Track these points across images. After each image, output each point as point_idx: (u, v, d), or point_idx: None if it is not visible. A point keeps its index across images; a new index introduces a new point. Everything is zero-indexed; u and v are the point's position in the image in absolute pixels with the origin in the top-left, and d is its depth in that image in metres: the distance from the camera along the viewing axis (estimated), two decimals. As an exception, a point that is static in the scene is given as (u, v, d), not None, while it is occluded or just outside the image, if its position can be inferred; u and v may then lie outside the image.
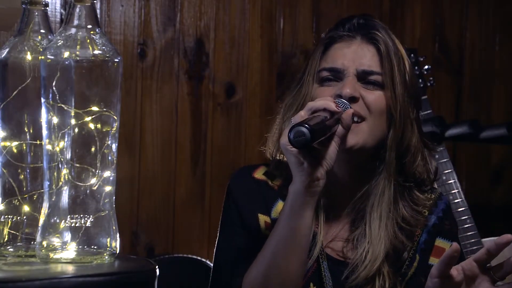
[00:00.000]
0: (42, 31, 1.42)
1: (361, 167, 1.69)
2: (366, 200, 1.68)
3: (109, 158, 1.32)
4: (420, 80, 2.66)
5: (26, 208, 1.39)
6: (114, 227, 1.33)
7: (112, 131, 1.32)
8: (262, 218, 1.70)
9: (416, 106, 1.71)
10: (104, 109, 1.31)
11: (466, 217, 2.53)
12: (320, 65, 1.69)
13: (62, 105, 1.29)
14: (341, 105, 1.60)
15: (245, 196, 1.73)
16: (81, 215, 1.30)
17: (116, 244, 1.33)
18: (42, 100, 1.32)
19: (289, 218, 1.58)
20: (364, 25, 1.71)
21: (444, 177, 2.56)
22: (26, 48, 1.40)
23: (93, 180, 1.31)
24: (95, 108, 1.30)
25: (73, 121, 1.29)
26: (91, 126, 1.30)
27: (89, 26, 1.33)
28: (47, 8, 1.43)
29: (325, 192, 1.65)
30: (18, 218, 1.39)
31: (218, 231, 1.75)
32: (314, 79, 1.69)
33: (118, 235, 1.34)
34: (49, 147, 1.31)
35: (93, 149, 1.31)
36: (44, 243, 1.30)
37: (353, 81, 1.65)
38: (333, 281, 1.66)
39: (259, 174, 1.75)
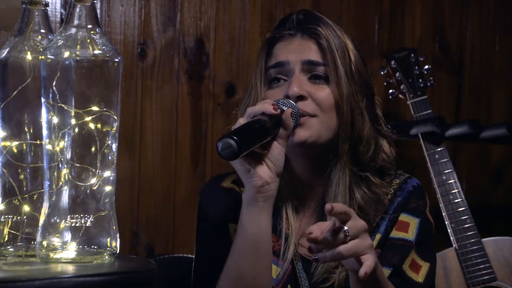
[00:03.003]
0: (42, 31, 1.42)
1: (321, 162, 1.69)
2: (325, 193, 1.69)
3: (109, 158, 1.32)
4: (420, 80, 2.66)
5: (26, 208, 1.39)
6: (114, 227, 1.33)
7: (112, 131, 1.32)
8: (233, 227, 1.70)
9: (366, 95, 1.70)
10: (104, 109, 1.31)
11: (466, 217, 2.53)
12: (266, 65, 1.70)
13: (62, 105, 1.29)
14: (285, 105, 1.59)
15: (214, 207, 1.74)
16: (81, 215, 1.30)
17: (116, 244, 1.33)
18: (42, 100, 1.32)
19: (246, 226, 1.58)
20: (303, 21, 1.71)
21: (444, 177, 2.56)
22: (26, 48, 1.40)
23: (93, 180, 1.31)
24: (95, 108, 1.30)
25: (73, 121, 1.29)
26: (91, 126, 1.30)
27: (89, 26, 1.33)
28: (47, 8, 1.43)
29: (292, 192, 1.68)
30: (18, 218, 1.39)
31: (195, 243, 1.76)
32: (262, 81, 1.70)
33: (118, 235, 1.34)
34: (49, 147, 1.31)
35: (93, 149, 1.31)
36: (44, 243, 1.30)
37: (300, 77, 1.66)
38: (309, 281, 1.67)
39: (227, 182, 1.76)
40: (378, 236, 1.68)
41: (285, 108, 1.59)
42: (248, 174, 1.55)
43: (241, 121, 1.55)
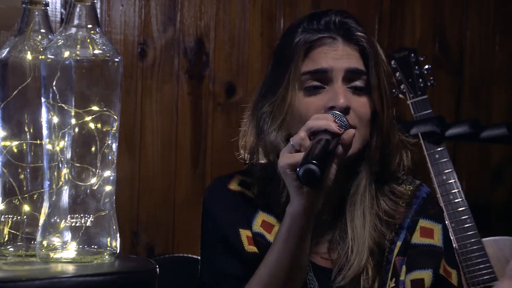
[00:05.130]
0: (42, 30, 1.42)
1: (344, 169, 1.64)
2: (346, 198, 1.64)
3: (109, 157, 1.32)
4: (420, 80, 2.66)
5: (26, 207, 1.39)
6: (114, 227, 1.33)
7: (112, 131, 1.32)
8: (244, 233, 1.65)
9: (393, 102, 1.67)
10: (105, 109, 1.31)
11: (466, 217, 2.53)
12: (302, 69, 1.61)
13: (62, 105, 1.29)
14: (339, 119, 1.54)
15: (223, 212, 1.68)
16: (82, 215, 1.30)
17: (116, 243, 1.33)
18: (42, 99, 1.32)
19: (288, 241, 1.54)
20: (342, 23, 1.62)
21: (444, 177, 2.56)
22: (26, 47, 1.40)
23: (93, 180, 1.31)
24: (95, 108, 1.30)
25: (73, 121, 1.29)
26: (91, 125, 1.30)
27: (90, 26, 1.33)
28: (47, 7, 1.43)
29: None
30: (19, 217, 1.39)
31: (200, 250, 1.70)
32: (297, 86, 1.62)
33: (118, 234, 1.34)
34: (49, 146, 1.31)
35: (93, 148, 1.31)
36: (45, 242, 1.30)
37: (343, 87, 1.59)
38: None
39: (234, 185, 1.70)
40: (398, 244, 1.65)
41: (339, 123, 1.53)
42: (300, 190, 1.50)
43: (302, 135, 1.50)
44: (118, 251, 1.33)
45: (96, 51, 1.31)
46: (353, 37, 1.62)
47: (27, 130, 1.40)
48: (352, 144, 1.54)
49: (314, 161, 1.43)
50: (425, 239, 1.66)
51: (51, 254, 1.30)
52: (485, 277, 2.50)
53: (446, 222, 2.51)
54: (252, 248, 1.64)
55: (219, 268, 1.66)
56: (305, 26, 1.64)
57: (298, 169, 1.44)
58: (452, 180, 2.56)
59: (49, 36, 1.42)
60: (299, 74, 1.62)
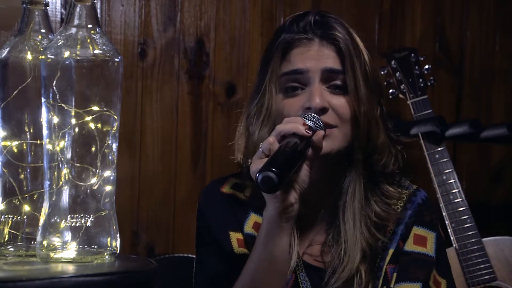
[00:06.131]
0: (42, 30, 1.42)
1: (332, 169, 1.65)
2: (338, 200, 1.65)
3: (110, 157, 1.32)
4: (421, 80, 2.66)
5: (26, 207, 1.39)
6: (114, 227, 1.33)
7: (113, 131, 1.32)
8: (234, 236, 1.67)
9: (380, 102, 1.66)
10: (105, 109, 1.31)
11: (466, 217, 2.53)
12: (281, 70, 1.63)
13: (63, 105, 1.29)
14: (312, 121, 1.55)
15: (215, 214, 1.70)
16: (82, 215, 1.30)
17: (116, 243, 1.33)
18: (43, 99, 1.32)
19: (266, 245, 1.55)
20: (321, 23, 1.64)
21: (444, 177, 2.56)
22: (26, 47, 1.40)
23: (93, 180, 1.31)
24: (95, 108, 1.30)
25: (73, 121, 1.29)
26: (92, 125, 1.30)
27: (90, 26, 1.33)
28: (48, 7, 1.43)
29: (301, 200, 1.60)
30: (19, 217, 1.39)
31: (195, 251, 1.72)
32: (277, 87, 1.63)
33: (118, 234, 1.34)
34: (49, 146, 1.31)
35: (93, 148, 1.31)
36: (45, 242, 1.30)
37: (320, 88, 1.60)
38: None
39: (227, 188, 1.72)
40: (390, 251, 1.65)
41: (311, 125, 1.54)
42: (273, 195, 1.51)
43: (271, 140, 1.51)
44: (118, 251, 1.33)
45: (96, 51, 1.31)
46: (329, 37, 1.62)
47: (27, 130, 1.40)
48: (322, 146, 1.55)
49: (272, 168, 1.43)
50: (417, 247, 1.66)
51: (51, 254, 1.30)
52: (485, 277, 2.50)
53: (446, 222, 2.52)
54: (242, 250, 1.65)
55: (211, 270, 1.68)
56: (286, 28, 1.67)
57: (257, 175, 1.44)
58: (452, 180, 2.56)
59: (49, 36, 1.42)
60: (278, 76, 1.63)
